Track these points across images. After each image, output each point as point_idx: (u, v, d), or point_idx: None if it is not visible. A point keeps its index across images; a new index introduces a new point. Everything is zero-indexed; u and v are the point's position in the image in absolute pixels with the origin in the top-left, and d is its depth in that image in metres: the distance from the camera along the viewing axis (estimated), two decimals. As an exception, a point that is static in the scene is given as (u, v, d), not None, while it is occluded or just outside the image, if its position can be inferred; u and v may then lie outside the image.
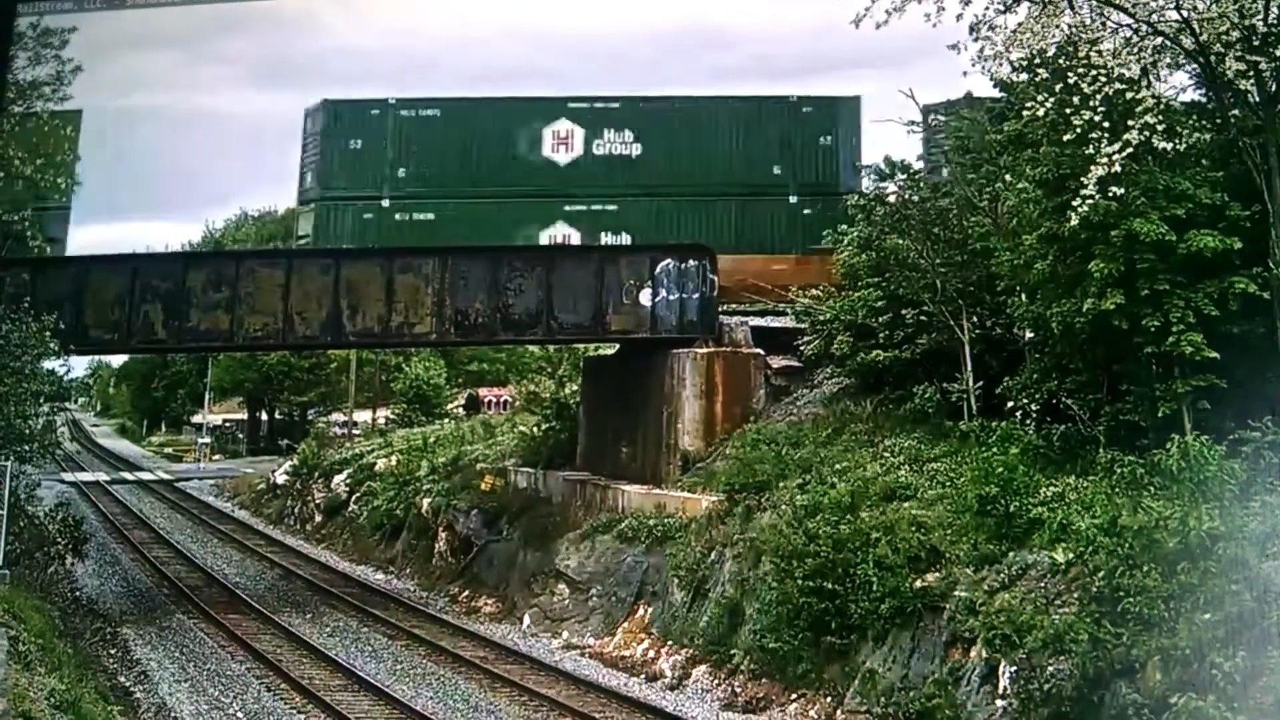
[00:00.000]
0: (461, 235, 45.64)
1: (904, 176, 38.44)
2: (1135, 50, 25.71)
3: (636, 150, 48.24)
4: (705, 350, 39.90)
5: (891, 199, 37.89)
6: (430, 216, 47.23)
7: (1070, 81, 25.14)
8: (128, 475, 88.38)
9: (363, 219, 46.94)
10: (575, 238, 47.12)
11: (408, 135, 48.23)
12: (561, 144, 47.98)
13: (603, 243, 46.72)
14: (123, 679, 31.40)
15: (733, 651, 29.89)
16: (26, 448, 33.75)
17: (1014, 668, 21.92)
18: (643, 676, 31.51)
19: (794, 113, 48.67)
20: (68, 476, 77.00)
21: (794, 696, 27.37)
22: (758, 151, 48.17)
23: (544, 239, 46.86)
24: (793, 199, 47.62)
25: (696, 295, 40.59)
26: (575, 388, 51.41)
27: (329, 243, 45.55)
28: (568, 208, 47.61)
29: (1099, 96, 24.90)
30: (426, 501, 50.55)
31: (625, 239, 46.59)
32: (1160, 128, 24.98)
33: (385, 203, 47.24)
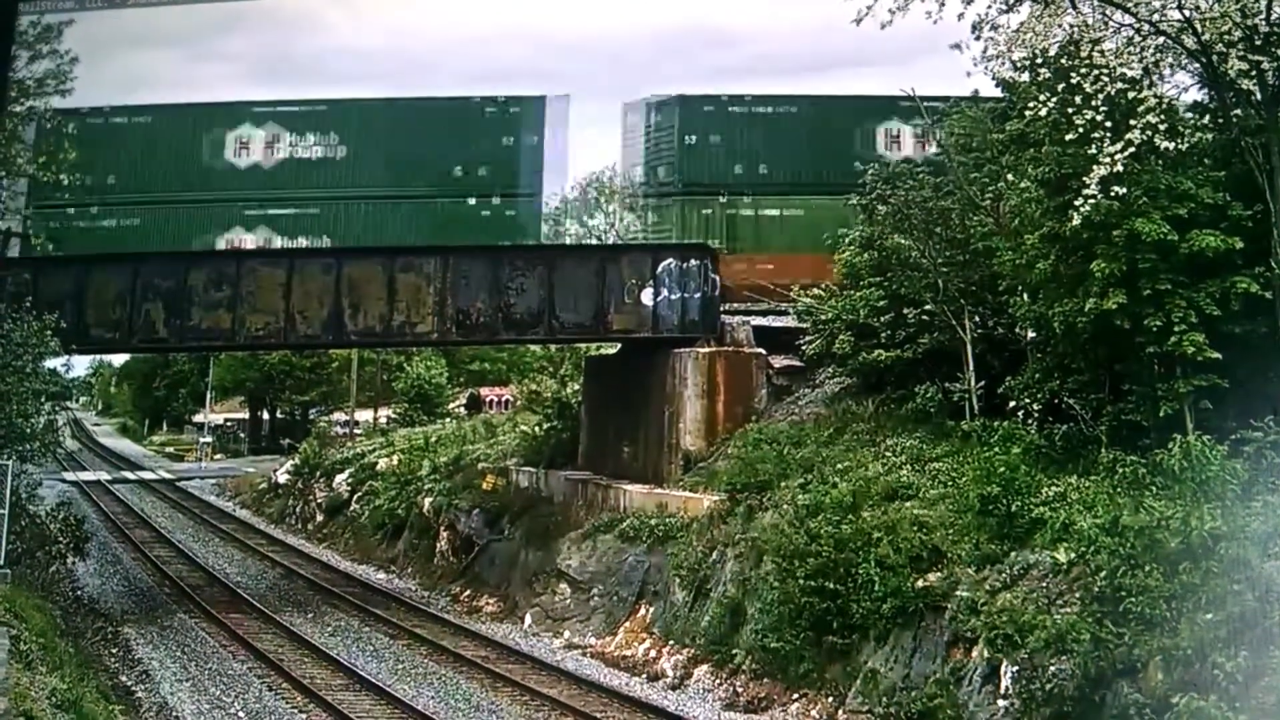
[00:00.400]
0: (160, 241, 45.57)
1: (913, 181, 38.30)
2: (1137, 50, 25.69)
3: (340, 153, 48.24)
4: (707, 350, 39.91)
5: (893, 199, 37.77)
6: (136, 222, 46.97)
7: (1072, 81, 25.13)
8: (129, 474, 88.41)
9: (76, 226, 46.64)
10: (277, 242, 47.08)
11: (120, 142, 47.90)
12: (266, 147, 47.88)
13: (292, 245, 46.55)
14: (124, 678, 31.43)
15: (734, 651, 29.89)
16: (28, 447, 33.76)
17: (1016, 667, 21.91)
18: (644, 676, 31.51)
19: (484, 113, 48.65)
20: (69, 476, 77.01)
21: (795, 696, 27.37)
22: (449, 153, 48.09)
23: (249, 243, 46.89)
24: (471, 200, 47.65)
25: (698, 295, 40.61)
26: (577, 387, 51.42)
27: (40, 251, 45.09)
28: (268, 211, 47.56)
29: (1101, 96, 24.88)
30: (428, 501, 50.57)
31: (326, 241, 46.54)
32: (1162, 127, 24.96)
33: (94, 210, 47.00)
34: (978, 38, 26.01)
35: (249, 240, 46.91)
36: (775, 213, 48.00)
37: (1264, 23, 24.72)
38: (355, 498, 59.68)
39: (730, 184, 48.10)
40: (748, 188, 48.00)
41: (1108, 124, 24.85)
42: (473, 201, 47.27)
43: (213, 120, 48.35)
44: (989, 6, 25.92)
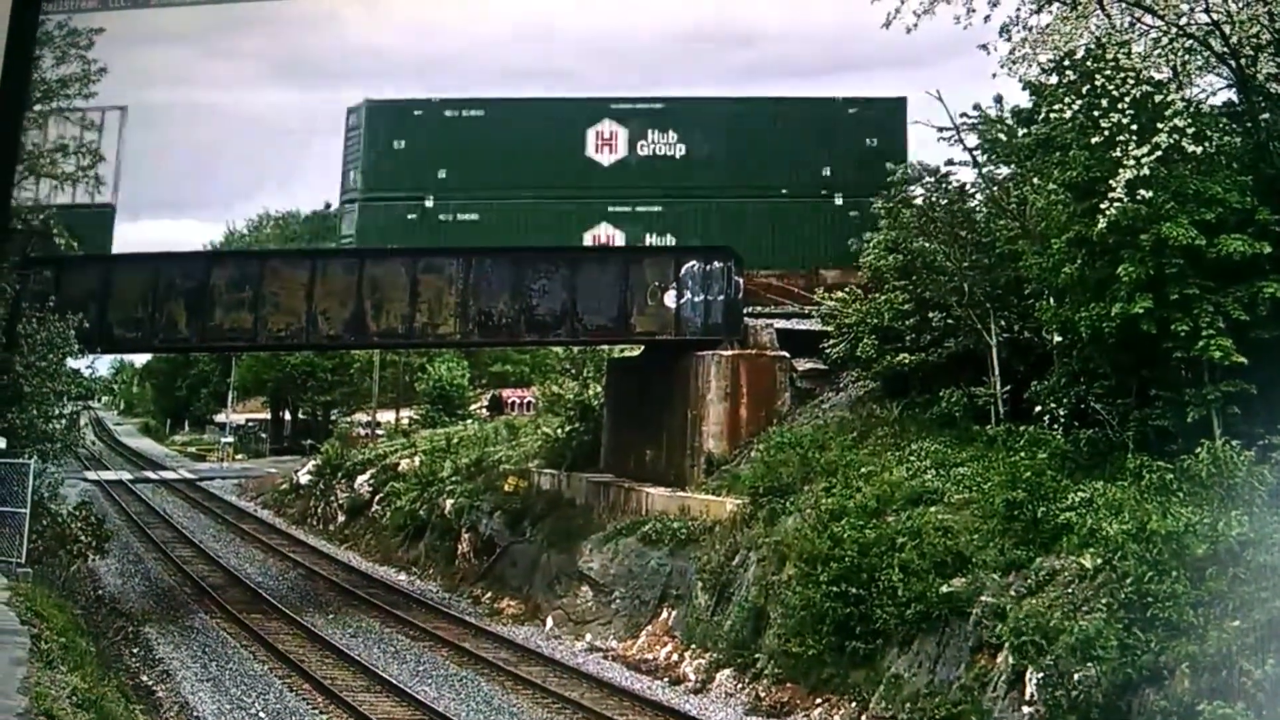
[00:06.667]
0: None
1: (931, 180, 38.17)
2: (1165, 52, 25.57)
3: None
4: (730, 353, 39.81)
5: (918, 201, 37.65)
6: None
7: (1098, 83, 24.99)
8: (150, 474, 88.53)
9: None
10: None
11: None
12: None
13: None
14: (145, 678, 31.43)
15: (757, 656, 29.79)
16: (49, 446, 33.85)
17: (1041, 674, 21.76)
18: (666, 680, 31.42)
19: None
20: (91, 475, 77.16)
21: (818, 701, 27.25)
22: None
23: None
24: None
25: (721, 297, 40.50)
26: (599, 389, 51.39)
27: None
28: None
29: (1127, 99, 24.75)
30: (449, 502, 50.53)
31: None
32: (1190, 131, 24.81)
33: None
34: (1007, 39, 25.93)
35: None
36: (473, 216, 48.04)
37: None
38: (377, 499, 59.67)
39: (434, 188, 48.15)
40: (454, 192, 48.08)
41: (1134, 127, 24.73)
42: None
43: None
44: (1018, 9, 25.84)
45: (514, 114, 48.99)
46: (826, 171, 47.29)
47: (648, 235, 47.63)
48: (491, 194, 48.07)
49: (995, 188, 35.08)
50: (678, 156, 48.32)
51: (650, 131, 48.59)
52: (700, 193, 47.79)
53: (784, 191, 47.38)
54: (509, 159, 47.56)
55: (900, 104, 47.57)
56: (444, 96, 49.77)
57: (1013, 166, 34.93)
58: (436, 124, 48.76)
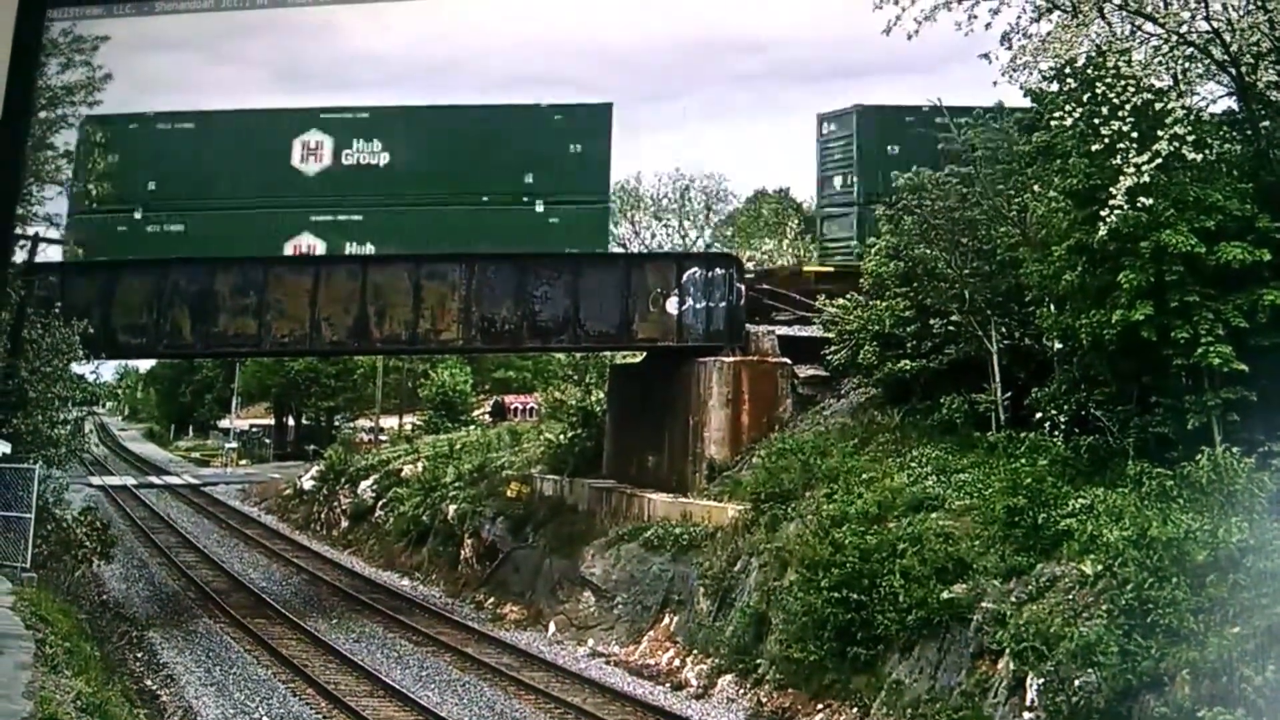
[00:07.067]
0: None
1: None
2: (1165, 60, 25.64)
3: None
4: (732, 359, 39.86)
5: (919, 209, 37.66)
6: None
7: (1098, 91, 25.07)
8: (155, 479, 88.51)
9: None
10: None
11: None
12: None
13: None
14: (149, 682, 31.50)
15: (758, 661, 29.87)
16: (54, 451, 33.91)
17: (1042, 680, 21.83)
18: (668, 686, 31.51)
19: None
20: (95, 480, 77.08)
21: (820, 707, 27.31)
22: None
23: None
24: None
25: (723, 304, 40.54)
26: (601, 395, 51.42)
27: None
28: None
29: (1128, 107, 24.82)
30: (452, 508, 50.55)
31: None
32: (1190, 138, 24.87)
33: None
34: (1008, 47, 26.01)
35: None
36: (179, 227, 47.72)
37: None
38: (380, 504, 59.61)
39: (143, 200, 47.84)
40: (163, 203, 47.77)
41: (1134, 135, 24.79)
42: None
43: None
44: (1019, 16, 25.92)
45: (225, 126, 48.68)
46: (529, 178, 46.74)
47: (348, 244, 46.94)
48: (199, 205, 47.65)
49: (996, 195, 35.07)
50: (381, 165, 47.77)
51: (356, 140, 48.12)
52: (403, 201, 47.26)
53: (485, 199, 46.78)
54: (217, 170, 47.22)
55: (605, 109, 47.36)
56: (159, 110, 49.40)
57: (1014, 175, 34.93)
58: (149, 137, 48.32)
